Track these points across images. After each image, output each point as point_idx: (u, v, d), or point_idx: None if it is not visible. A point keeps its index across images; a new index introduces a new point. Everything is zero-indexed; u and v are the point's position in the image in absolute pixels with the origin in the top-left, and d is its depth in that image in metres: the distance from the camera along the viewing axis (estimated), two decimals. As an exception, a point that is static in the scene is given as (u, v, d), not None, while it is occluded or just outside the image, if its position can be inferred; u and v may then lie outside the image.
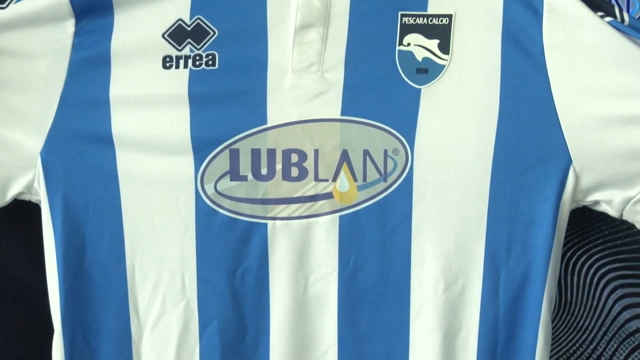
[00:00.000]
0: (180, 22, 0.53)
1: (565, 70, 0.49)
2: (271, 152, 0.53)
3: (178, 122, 0.53)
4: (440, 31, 0.53)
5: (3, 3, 0.54)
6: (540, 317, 0.54)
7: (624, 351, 0.72)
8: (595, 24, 0.49)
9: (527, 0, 0.51)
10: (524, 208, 0.52)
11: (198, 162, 0.52)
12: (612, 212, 0.53)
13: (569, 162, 0.50)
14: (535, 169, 0.51)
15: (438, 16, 0.53)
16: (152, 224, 0.55)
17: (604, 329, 0.72)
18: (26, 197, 0.56)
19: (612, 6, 0.51)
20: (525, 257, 0.53)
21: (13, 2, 0.54)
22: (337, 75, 0.52)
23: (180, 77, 0.53)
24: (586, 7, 0.50)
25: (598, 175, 0.51)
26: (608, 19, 0.50)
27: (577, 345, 0.73)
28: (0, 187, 0.54)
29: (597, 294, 0.72)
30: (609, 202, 0.52)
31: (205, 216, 0.53)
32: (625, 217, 0.53)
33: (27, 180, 0.54)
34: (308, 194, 0.55)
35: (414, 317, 0.54)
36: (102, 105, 0.53)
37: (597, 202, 0.53)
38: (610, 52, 0.49)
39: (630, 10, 0.70)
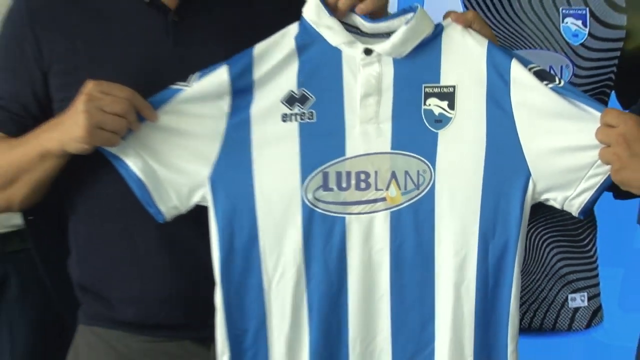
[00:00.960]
0: (291, 92, 0.88)
1: (525, 118, 0.85)
2: (348, 173, 0.85)
3: (292, 155, 0.88)
4: (448, 95, 0.85)
5: (188, 82, 0.86)
6: (514, 272, 0.89)
7: (558, 287, 1.20)
8: (542, 89, 0.84)
9: (500, 74, 0.87)
10: (503, 204, 0.87)
11: (302, 180, 0.84)
12: (556, 205, 0.88)
13: (529, 175, 0.86)
14: (509, 180, 0.87)
15: (446, 86, 0.85)
16: (275, 218, 0.90)
17: (545, 272, 1.20)
18: (201, 203, 0.91)
19: (553, 76, 0.88)
20: (504, 234, 0.88)
21: (193, 80, 0.90)
22: (387, 126, 0.86)
23: (293, 127, 0.85)
24: (536, 78, 0.85)
25: (547, 183, 0.86)
26: (551, 85, 0.85)
27: (529, 283, 1.21)
28: (187, 198, 0.89)
29: (541, 252, 1.20)
30: (554, 199, 0.87)
31: (307, 213, 0.85)
32: (564, 208, 0.89)
33: (202, 193, 0.89)
34: (371, 198, 0.86)
35: (437, 274, 0.89)
36: (245, 145, 0.88)
37: (547, 200, 0.88)
38: (553, 106, 0.83)
39: (564, 77, 1.13)
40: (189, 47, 1.02)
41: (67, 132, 0.89)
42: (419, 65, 0.86)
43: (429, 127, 0.87)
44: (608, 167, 0.80)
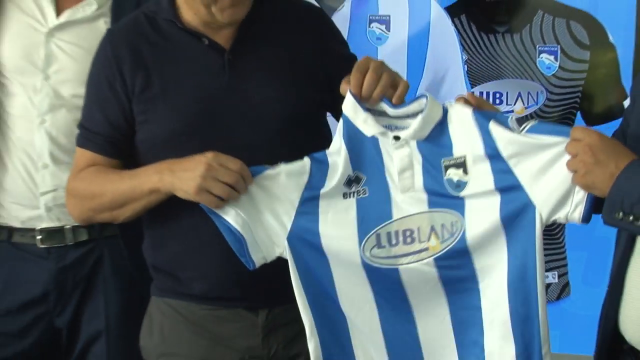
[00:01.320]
0: (349, 176, 1.03)
1: (518, 164, 0.95)
2: (396, 232, 1.04)
3: (351, 223, 1.04)
4: (461, 164, 1.02)
5: (273, 168, 1.04)
6: (537, 288, 1.00)
7: None
8: (519, 137, 0.94)
9: (488, 135, 0.96)
10: (521, 235, 0.99)
11: (360, 241, 1.03)
12: (563, 221, 0.97)
13: (534, 208, 0.97)
14: (521, 216, 0.98)
15: (459, 157, 1.02)
16: (344, 273, 1.06)
17: None
18: (283, 256, 1.07)
19: (524, 121, 1.01)
20: (525, 257, 0.99)
21: (281, 165, 1.06)
22: (422, 194, 1.02)
23: (351, 202, 1.05)
24: (511, 131, 0.95)
25: (548, 208, 0.95)
26: (526, 128, 0.98)
27: None
28: (272, 251, 1.05)
29: None
30: (559, 218, 0.95)
31: (367, 266, 1.04)
32: (569, 221, 0.96)
33: (282, 249, 1.05)
34: (416, 250, 1.03)
35: (482, 297, 1.03)
36: (314, 217, 1.04)
37: (554, 220, 0.97)
38: (532, 144, 0.93)
39: (539, 101, 1.42)
40: (241, 80, 1.20)
41: (181, 183, 1.10)
42: (436, 144, 1.06)
43: (451, 191, 1.05)
44: None
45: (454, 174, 1.04)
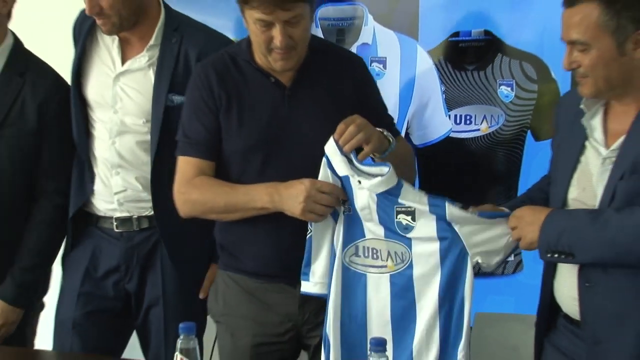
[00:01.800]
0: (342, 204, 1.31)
1: (460, 228, 1.24)
2: (367, 248, 1.32)
3: (337, 235, 1.33)
4: (411, 213, 1.26)
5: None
6: (464, 312, 1.28)
7: None
8: (468, 216, 1.24)
9: (439, 212, 1.23)
10: (455, 272, 1.25)
11: (343, 248, 1.33)
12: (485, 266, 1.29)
13: (467, 254, 1.25)
14: (457, 259, 1.24)
15: (409, 207, 1.25)
16: (335, 272, 1.34)
17: None
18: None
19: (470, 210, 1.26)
20: (456, 290, 1.27)
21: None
22: (379, 226, 1.29)
23: (342, 217, 1.32)
24: (462, 211, 1.23)
25: (479, 258, 1.25)
26: (473, 212, 1.25)
27: None
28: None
29: None
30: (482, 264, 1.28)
31: (345, 270, 1.33)
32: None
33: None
34: (379, 264, 1.31)
35: (417, 309, 1.30)
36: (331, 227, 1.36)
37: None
38: (476, 221, 1.23)
39: (499, 122, 1.82)
40: (296, 112, 1.47)
41: (288, 205, 1.37)
42: (390, 196, 1.30)
43: (400, 232, 1.32)
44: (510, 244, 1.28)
45: (403, 219, 1.30)
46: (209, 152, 1.47)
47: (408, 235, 1.30)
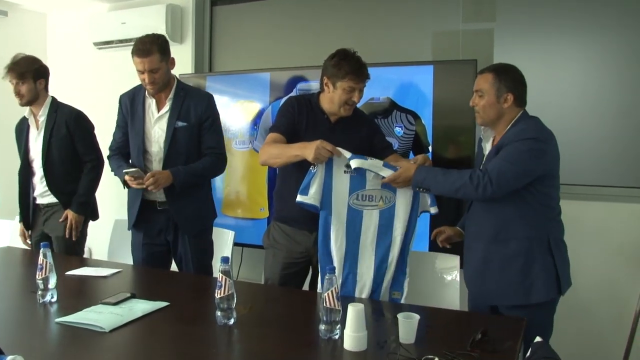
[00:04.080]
0: (346, 166, 2.18)
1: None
2: (365, 195, 2.22)
3: (346, 185, 2.25)
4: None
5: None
6: (413, 235, 2.27)
7: None
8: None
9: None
10: (413, 213, 2.25)
11: (349, 195, 2.21)
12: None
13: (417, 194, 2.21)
14: (413, 201, 2.24)
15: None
16: (339, 209, 2.23)
17: None
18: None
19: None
20: (411, 224, 2.25)
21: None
22: (378, 180, 2.19)
23: (348, 176, 2.22)
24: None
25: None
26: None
27: None
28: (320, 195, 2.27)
29: None
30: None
31: (349, 208, 2.21)
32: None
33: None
34: (373, 204, 2.21)
35: (393, 231, 2.24)
36: (329, 179, 2.26)
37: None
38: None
39: (395, 146, 3.21)
40: (337, 138, 2.19)
41: (306, 153, 2.07)
42: (387, 167, 2.14)
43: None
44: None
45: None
46: (286, 132, 2.30)
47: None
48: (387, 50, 3.49)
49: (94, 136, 3.14)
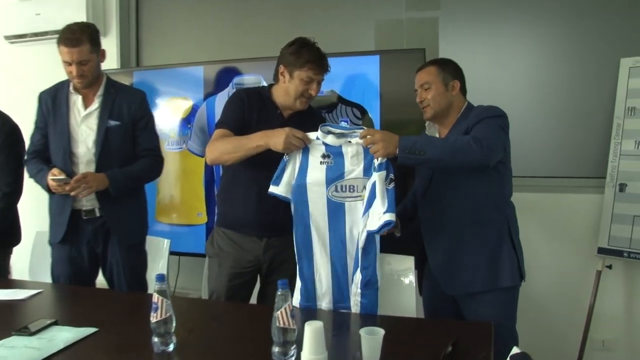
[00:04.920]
0: (324, 153, 1.94)
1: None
2: (345, 185, 1.92)
3: (322, 176, 1.94)
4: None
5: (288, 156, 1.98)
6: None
7: None
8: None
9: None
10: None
11: (327, 187, 1.93)
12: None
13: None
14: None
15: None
16: (316, 203, 1.98)
17: None
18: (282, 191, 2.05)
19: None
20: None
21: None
22: (361, 167, 1.91)
23: (324, 166, 1.94)
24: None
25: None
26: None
27: None
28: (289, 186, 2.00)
29: None
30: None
31: (328, 201, 1.93)
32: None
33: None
34: (355, 195, 1.91)
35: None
36: (304, 170, 1.97)
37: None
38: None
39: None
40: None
41: (273, 142, 1.89)
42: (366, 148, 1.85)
43: (372, 170, 1.85)
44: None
45: (375, 161, 1.85)
46: (235, 127, 2.12)
47: (374, 173, 1.85)
48: (329, 40, 3.15)
49: (17, 162, 2.72)
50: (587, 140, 3.00)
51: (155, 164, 2.58)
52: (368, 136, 1.83)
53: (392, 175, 1.84)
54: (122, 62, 3.91)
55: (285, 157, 1.98)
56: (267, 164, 2.08)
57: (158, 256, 2.83)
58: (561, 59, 3.04)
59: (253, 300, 2.41)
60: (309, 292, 1.98)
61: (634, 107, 2.84)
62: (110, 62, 3.73)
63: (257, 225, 2.20)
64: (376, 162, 1.84)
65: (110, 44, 3.86)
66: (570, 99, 3.03)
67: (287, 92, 2.17)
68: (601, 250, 2.87)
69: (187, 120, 3.38)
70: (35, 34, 3.84)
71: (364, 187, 1.88)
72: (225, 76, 3.27)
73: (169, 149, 3.44)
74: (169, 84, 3.46)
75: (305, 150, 1.97)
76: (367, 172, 1.89)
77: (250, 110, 2.18)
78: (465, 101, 2.19)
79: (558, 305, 2.98)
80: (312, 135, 1.96)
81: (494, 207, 2.08)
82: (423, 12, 3.25)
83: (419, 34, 3.22)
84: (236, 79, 3.21)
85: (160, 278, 1.60)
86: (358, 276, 1.91)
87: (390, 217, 1.82)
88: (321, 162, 1.94)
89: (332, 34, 3.38)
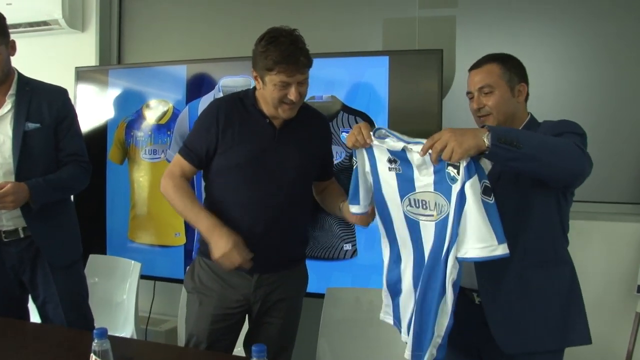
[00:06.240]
0: (389, 157, 1.51)
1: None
2: (417, 200, 1.50)
3: (395, 187, 1.55)
4: (457, 167, 1.36)
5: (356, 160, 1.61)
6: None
7: (339, 241, 2.69)
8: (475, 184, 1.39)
9: (469, 168, 1.36)
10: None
11: (401, 200, 1.54)
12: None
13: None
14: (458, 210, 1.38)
15: (456, 162, 1.35)
16: (396, 216, 1.59)
17: (333, 234, 2.62)
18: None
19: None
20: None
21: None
22: (431, 178, 1.45)
23: (394, 174, 1.53)
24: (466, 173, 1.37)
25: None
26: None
27: (328, 239, 2.68)
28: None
29: (332, 227, 2.64)
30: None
31: (405, 216, 1.53)
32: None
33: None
34: (428, 214, 1.47)
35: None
36: (377, 177, 1.60)
37: None
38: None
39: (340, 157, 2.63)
40: (281, 146, 1.80)
41: (213, 246, 1.70)
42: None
43: (448, 182, 1.42)
44: None
45: (451, 170, 1.41)
46: (199, 162, 1.86)
47: (453, 185, 1.40)
48: (330, 40, 2.99)
49: None
50: (624, 159, 2.64)
51: (84, 172, 2.27)
52: (432, 145, 1.40)
53: (487, 182, 1.39)
54: (102, 60, 3.56)
55: (354, 162, 1.65)
56: (262, 182, 1.77)
57: (125, 281, 2.55)
58: (593, 65, 2.69)
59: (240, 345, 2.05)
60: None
61: (680, 121, 2.46)
62: (89, 59, 3.48)
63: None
64: (458, 170, 1.39)
65: (88, 41, 3.54)
66: (603, 110, 2.66)
67: (265, 99, 1.80)
68: (642, 289, 2.48)
69: (167, 127, 3.01)
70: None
71: (436, 205, 1.48)
72: (210, 77, 2.91)
73: (146, 159, 3.07)
74: (147, 85, 3.08)
75: (369, 151, 1.60)
76: (439, 186, 1.47)
77: (228, 129, 1.83)
78: (528, 113, 1.78)
79: (591, 352, 2.55)
80: (395, 146, 1.54)
81: (564, 243, 1.69)
82: (439, 10, 2.90)
83: (434, 34, 2.87)
84: (223, 81, 2.85)
85: (100, 334, 1.27)
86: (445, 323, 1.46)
87: (504, 249, 1.38)
88: (389, 169, 1.56)
89: (333, 32, 3.04)
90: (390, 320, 1.70)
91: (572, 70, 2.76)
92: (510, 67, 1.71)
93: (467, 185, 1.35)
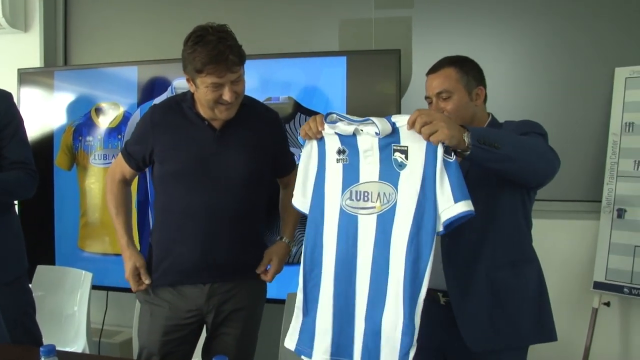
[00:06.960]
0: (339, 147, 1.41)
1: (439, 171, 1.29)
2: (359, 192, 1.39)
3: (339, 180, 1.42)
4: (405, 151, 1.32)
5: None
6: (430, 256, 1.31)
7: None
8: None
9: (432, 147, 1.29)
10: (426, 216, 1.30)
11: (342, 193, 1.41)
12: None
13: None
14: (430, 200, 1.30)
15: (403, 146, 1.32)
16: (330, 212, 1.43)
17: None
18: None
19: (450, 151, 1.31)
20: (425, 235, 1.32)
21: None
22: (377, 167, 1.36)
23: (341, 165, 1.42)
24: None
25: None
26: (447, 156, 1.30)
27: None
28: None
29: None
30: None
31: (341, 211, 1.40)
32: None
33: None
34: (369, 206, 1.36)
35: (391, 246, 1.35)
36: (322, 171, 1.47)
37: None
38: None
39: None
40: (223, 148, 1.74)
41: (124, 261, 1.80)
42: (389, 138, 1.35)
43: (396, 169, 1.37)
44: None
45: (399, 156, 1.37)
46: (138, 167, 1.86)
47: (401, 171, 1.36)
48: (286, 41, 2.95)
49: None
50: (579, 159, 2.67)
51: (30, 179, 2.12)
52: (420, 117, 1.31)
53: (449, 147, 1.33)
54: (47, 61, 3.40)
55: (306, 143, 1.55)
56: (207, 188, 1.71)
57: (76, 292, 2.46)
58: (548, 67, 2.72)
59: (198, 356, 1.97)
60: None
61: (632, 123, 2.52)
62: (33, 61, 3.33)
63: (200, 267, 1.79)
64: (406, 156, 1.36)
65: (31, 41, 3.39)
66: (559, 112, 2.69)
67: (200, 102, 1.73)
68: (598, 285, 2.53)
69: (117, 130, 2.91)
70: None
71: (379, 195, 1.38)
72: (163, 79, 2.83)
73: (96, 164, 2.96)
74: (96, 87, 2.97)
75: (320, 143, 1.50)
76: (385, 174, 1.39)
77: (161, 137, 1.79)
78: (488, 114, 1.76)
79: (549, 347, 2.58)
80: (345, 130, 1.45)
81: (530, 239, 1.70)
82: (395, 11, 2.90)
83: (390, 35, 2.86)
84: (176, 82, 2.76)
85: (48, 352, 1.25)
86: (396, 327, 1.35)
87: (465, 206, 1.30)
88: (337, 160, 1.46)
89: (289, 32, 3.00)
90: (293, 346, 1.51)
91: (525, 70, 2.79)
92: (468, 71, 1.69)
93: (438, 158, 1.31)
